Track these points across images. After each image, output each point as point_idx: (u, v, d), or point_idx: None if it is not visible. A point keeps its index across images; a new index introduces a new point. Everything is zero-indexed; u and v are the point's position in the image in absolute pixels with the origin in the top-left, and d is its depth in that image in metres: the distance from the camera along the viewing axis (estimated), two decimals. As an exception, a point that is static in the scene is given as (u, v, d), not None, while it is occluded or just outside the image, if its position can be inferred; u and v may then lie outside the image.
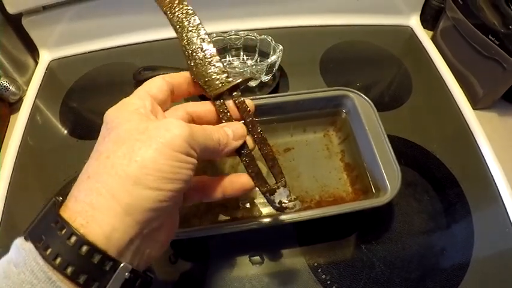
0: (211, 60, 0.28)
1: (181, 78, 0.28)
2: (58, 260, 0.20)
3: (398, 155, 0.38)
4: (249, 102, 0.29)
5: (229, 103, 0.28)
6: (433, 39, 0.62)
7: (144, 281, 0.24)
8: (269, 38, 0.51)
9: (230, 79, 0.28)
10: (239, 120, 0.29)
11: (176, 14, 0.28)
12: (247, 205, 0.40)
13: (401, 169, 0.37)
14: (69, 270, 0.20)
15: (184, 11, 0.28)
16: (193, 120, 0.28)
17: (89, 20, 0.58)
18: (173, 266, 0.38)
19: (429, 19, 0.64)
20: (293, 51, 0.55)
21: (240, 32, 0.53)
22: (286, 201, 0.29)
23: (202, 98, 0.29)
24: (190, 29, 0.28)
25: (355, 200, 0.40)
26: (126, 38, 0.60)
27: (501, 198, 0.43)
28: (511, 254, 0.39)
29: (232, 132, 0.27)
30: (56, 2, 0.54)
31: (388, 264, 0.38)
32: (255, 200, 0.41)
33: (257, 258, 0.39)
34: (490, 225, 0.42)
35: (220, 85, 0.28)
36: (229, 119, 0.28)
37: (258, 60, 0.54)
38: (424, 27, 0.63)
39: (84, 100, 0.55)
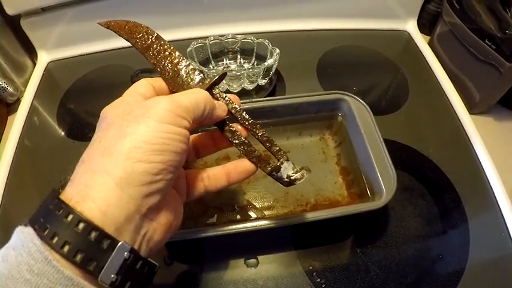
0: (182, 68, 0.28)
1: (161, 81, 0.28)
2: (55, 239, 0.20)
3: (394, 159, 0.39)
4: (231, 95, 0.29)
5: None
6: (430, 43, 0.62)
7: (148, 266, 0.24)
8: (266, 42, 0.51)
9: (207, 81, 0.28)
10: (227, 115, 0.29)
11: (138, 38, 0.29)
12: (242, 208, 0.40)
13: (397, 173, 0.37)
14: (65, 249, 0.20)
15: (145, 33, 0.29)
16: None
17: (88, 22, 0.58)
18: (168, 267, 0.38)
19: (426, 24, 0.64)
20: (290, 55, 0.55)
21: (237, 36, 0.53)
22: (294, 174, 0.29)
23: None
24: (155, 47, 0.29)
25: (351, 203, 0.40)
26: (124, 40, 0.60)
27: (497, 203, 0.43)
28: (507, 258, 0.39)
29: (217, 105, 0.28)
30: (55, 3, 0.54)
31: (383, 269, 0.38)
32: (250, 203, 0.41)
33: (252, 261, 0.38)
34: (486, 230, 0.42)
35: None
36: None
37: (255, 64, 0.54)
38: (421, 32, 0.64)
39: (82, 102, 0.55)
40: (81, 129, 0.51)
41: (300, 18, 0.62)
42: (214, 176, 0.30)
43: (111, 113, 0.24)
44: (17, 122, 0.52)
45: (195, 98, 0.25)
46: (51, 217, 0.21)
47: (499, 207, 0.43)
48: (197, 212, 0.40)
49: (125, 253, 0.21)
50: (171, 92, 0.28)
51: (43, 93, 0.56)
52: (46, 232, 0.20)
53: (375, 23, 0.63)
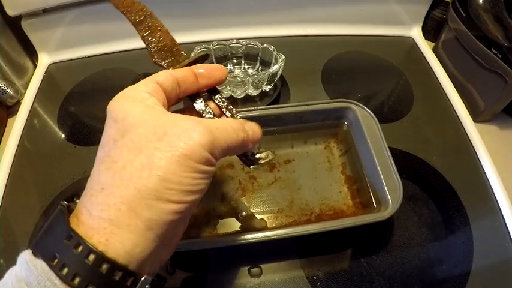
0: (168, 43, 0.30)
1: (185, 70, 0.27)
2: (77, 280, 0.19)
3: (399, 168, 0.38)
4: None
5: None
6: (435, 50, 0.62)
7: (159, 286, 0.24)
8: (271, 47, 0.51)
9: (190, 58, 0.29)
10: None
11: (134, 13, 0.30)
12: (246, 217, 0.40)
13: (402, 183, 0.37)
14: None
15: (140, 10, 0.31)
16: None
17: (90, 24, 0.57)
18: (171, 276, 0.38)
19: (431, 30, 0.64)
20: (295, 61, 0.55)
21: (242, 41, 0.52)
22: (258, 154, 0.29)
23: (191, 97, 0.29)
24: (147, 23, 0.30)
25: (356, 213, 0.40)
26: (127, 43, 0.59)
27: (500, 212, 0.43)
28: (510, 266, 0.39)
29: (252, 134, 0.26)
30: (56, 5, 0.54)
31: (388, 279, 0.38)
32: (255, 212, 0.40)
33: (256, 270, 0.38)
34: (489, 238, 0.41)
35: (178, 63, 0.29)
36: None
37: (259, 69, 0.54)
38: (425, 38, 0.63)
39: (83, 105, 0.54)
40: (82, 134, 0.50)
41: (304, 23, 0.62)
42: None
43: (137, 131, 0.21)
44: (17, 125, 0.51)
45: (234, 135, 0.24)
46: (68, 253, 0.19)
47: (502, 215, 0.43)
48: (201, 220, 0.39)
49: (147, 286, 0.21)
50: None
51: (44, 95, 0.56)
52: (65, 272, 0.19)
53: (380, 29, 0.63)
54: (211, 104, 0.29)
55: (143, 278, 0.21)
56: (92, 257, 0.19)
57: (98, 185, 0.21)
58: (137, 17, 0.30)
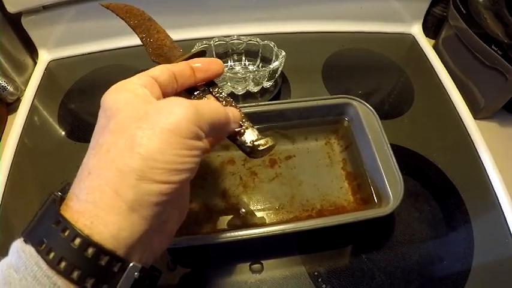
0: (166, 43, 0.31)
1: (181, 65, 0.27)
2: (63, 264, 0.19)
3: (399, 164, 0.38)
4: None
5: None
6: (435, 47, 0.62)
7: (153, 278, 0.23)
8: (272, 44, 0.51)
9: (187, 55, 0.30)
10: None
11: (133, 17, 0.32)
12: (248, 213, 0.40)
13: (403, 178, 0.37)
14: (75, 274, 0.19)
15: (139, 15, 0.32)
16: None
17: (90, 21, 0.57)
18: (172, 273, 0.38)
19: (431, 27, 0.64)
20: (295, 57, 0.55)
21: (243, 37, 0.52)
22: (258, 140, 0.29)
23: (189, 91, 0.29)
24: (146, 26, 0.32)
25: (357, 209, 0.40)
26: (127, 40, 0.59)
27: (501, 208, 0.43)
28: (511, 263, 0.39)
29: (232, 115, 0.27)
30: (56, 1, 0.53)
31: (389, 274, 0.38)
32: (256, 208, 0.40)
33: (257, 266, 0.38)
34: (490, 234, 0.41)
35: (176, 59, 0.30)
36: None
37: (260, 66, 0.54)
38: (426, 36, 0.63)
39: (84, 102, 0.54)
40: (82, 130, 0.50)
41: (305, 20, 0.62)
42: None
43: (121, 114, 0.21)
44: (17, 122, 0.51)
45: (217, 110, 0.24)
46: (55, 238, 0.19)
47: (502, 212, 0.43)
48: (202, 217, 0.39)
49: (136, 273, 0.21)
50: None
51: (44, 92, 0.56)
52: (51, 256, 0.19)
53: (380, 26, 0.63)
54: (210, 97, 0.30)
55: (131, 264, 0.20)
56: (78, 240, 0.19)
57: (86, 171, 0.21)
58: (135, 21, 0.31)
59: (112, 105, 0.22)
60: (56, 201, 0.21)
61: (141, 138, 0.20)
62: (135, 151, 0.20)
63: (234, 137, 0.29)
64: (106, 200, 0.20)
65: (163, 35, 0.31)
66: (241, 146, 0.29)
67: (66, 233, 0.19)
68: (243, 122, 0.29)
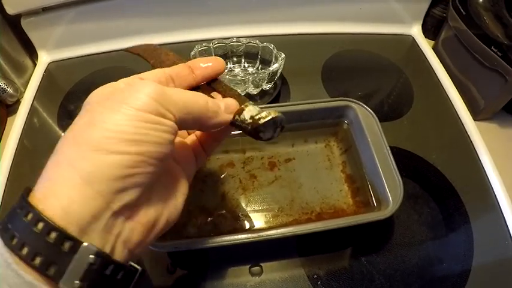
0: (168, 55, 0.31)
1: (178, 66, 0.27)
2: (14, 241, 0.18)
3: (399, 166, 0.38)
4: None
5: None
6: (435, 48, 0.62)
7: (124, 271, 0.21)
8: (271, 46, 0.51)
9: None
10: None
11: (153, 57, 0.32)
12: (247, 216, 0.40)
13: (402, 181, 0.37)
14: (24, 251, 0.18)
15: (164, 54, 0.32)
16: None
17: (90, 22, 0.57)
18: (171, 276, 0.38)
19: (431, 28, 0.64)
20: (295, 59, 0.55)
21: (242, 39, 0.52)
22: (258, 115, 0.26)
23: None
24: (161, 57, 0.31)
25: (356, 212, 0.40)
26: (127, 41, 0.59)
27: (501, 210, 0.43)
28: (511, 265, 0.39)
29: (224, 105, 0.26)
30: (56, 3, 0.53)
31: (388, 277, 0.38)
32: (255, 211, 0.40)
33: (256, 269, 0.38)
34: (490, 236, 0.41)
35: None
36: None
37: (260, 68, 0.53)
38: (425, 37, 0.63)
39: (83, 104, 0.54)
40: (82, 132, 0.50)
41: (305, 21, 0.62)
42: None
43: (92, 99, 0.22)
44: (16, 124, 0.51)
45: (192, 96, 0.23)
46: (13, 217, 0.19)
47: (502, 213, 0.43)
48: (201, 220, 0.39)
49: (90, 256, 0.19)
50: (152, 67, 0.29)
51: (43, 94, 0.56)
52: (8, 233, 0.18)
53: (380, 27, 0.63)
54: (216, 95, 0.29)
55: (84, 244, 0.19)
56: (30, 216, 0.18)
57: (53, 156, 0.21)
58: (154, 59, 0.31)
59: (89, 99, 0.22)
60: (27, 189, 0.21)
61: (100, 113, 0.20)
62: (92, 125, 0.20)
63: (234, 120, 0.26)
64: (60, 171, 0.19)
65: (171, 56, 0.31)
66: (242, 125, 0.26)
67: (22, 210, 0.19)
68: (245, 105, 0.27)
